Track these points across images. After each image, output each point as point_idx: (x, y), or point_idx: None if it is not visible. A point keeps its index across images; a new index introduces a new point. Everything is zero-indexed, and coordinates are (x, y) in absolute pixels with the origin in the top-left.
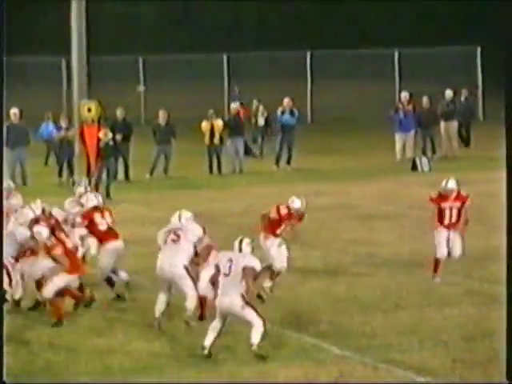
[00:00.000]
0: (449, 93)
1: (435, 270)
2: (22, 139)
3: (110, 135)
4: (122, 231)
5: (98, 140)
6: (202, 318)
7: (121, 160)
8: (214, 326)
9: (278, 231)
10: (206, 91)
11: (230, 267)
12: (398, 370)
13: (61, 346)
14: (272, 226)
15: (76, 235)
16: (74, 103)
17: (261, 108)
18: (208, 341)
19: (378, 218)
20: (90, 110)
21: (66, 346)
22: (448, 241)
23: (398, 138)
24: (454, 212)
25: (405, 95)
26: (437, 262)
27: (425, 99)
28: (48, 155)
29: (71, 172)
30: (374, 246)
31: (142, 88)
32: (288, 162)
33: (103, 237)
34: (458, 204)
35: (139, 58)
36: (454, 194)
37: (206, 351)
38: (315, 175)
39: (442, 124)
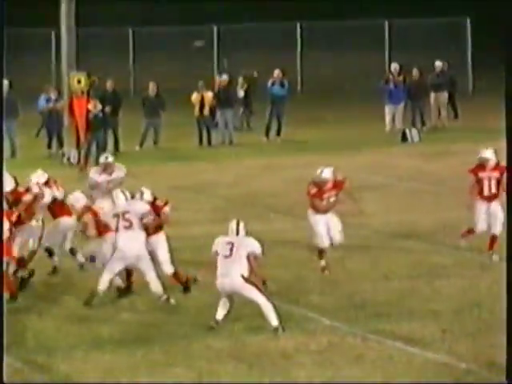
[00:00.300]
0: (438, 64)
1: (491, 247)
2: (11, 111)
3: (100, 107)
4: None
5: (88, 112)
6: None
7: (110, 132)
8: (223, 304)
9: (324, 204)
10: (196, 63)
11: (231, 249)
12: (387, 341)
13: None
14: (315, 200)
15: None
16: (63, 75)
17: (240, 80)
18: (219, 316)
19: (368, 189)
20: (79, 81)
21: None
22: (487, 214)
23: (388, 109)
24: (493, 183)
25: (395, 66)
26: (492, 238)
27: (415, 71)
28: (41, 127)
29: (60, 144)
30: (363, 217)
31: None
32: (278, 134)
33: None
34: (496, 174)
35: (129, 30)
36: (493, 164)
37: (215, 324)
38: (305, 146)
39: (432, 95)
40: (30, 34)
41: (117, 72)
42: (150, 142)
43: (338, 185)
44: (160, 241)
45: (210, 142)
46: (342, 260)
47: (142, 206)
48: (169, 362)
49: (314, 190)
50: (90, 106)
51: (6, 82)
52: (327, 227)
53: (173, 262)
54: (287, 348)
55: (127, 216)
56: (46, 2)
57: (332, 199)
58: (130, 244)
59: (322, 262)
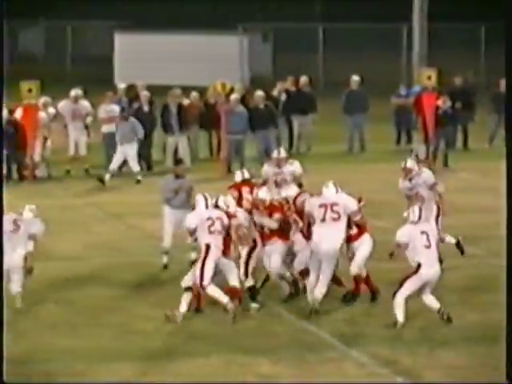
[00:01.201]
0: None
1: None
2: (361, 106)
3: (449, 103)
4: (460, 200)
5: (437, 108)
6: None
7: (459, 128)
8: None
9: None
10: None
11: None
12: None
13: None
14: None
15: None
16: (413, 70)
17: None
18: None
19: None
20: (430, 77)
21: None
22: None
23: None
24: None
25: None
26: None
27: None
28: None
29: (409, 139)
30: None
31: None
32: None
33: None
34: None
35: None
36: None
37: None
38: None
39: None
40: (380, 29)
41: (466, 68)
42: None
43: None
44: (364, 241)
45: None
46: None
47: (352, 202)
48: None
49: None
50: (439, 102)
51: (356, 78)
52: None
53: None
54: None
55: (335, 208)
56: None
57: None
58: (329, 237)
59: None
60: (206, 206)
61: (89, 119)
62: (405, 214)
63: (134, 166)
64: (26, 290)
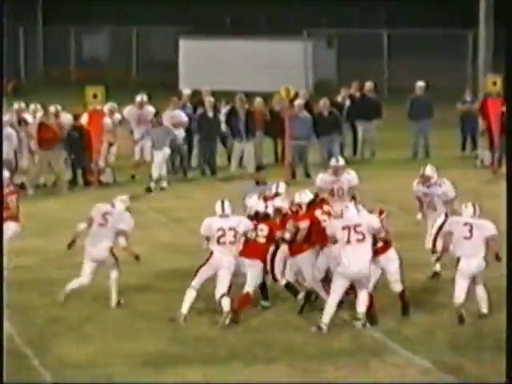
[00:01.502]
0: None
1: None
2: (427, 112)
3: None
4: None
5: (502, 114)
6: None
7: None
8: None
9: None
10: None
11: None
12: None
13: None
14: None
15: None
16: (478, 76)
17: None
18: None
19: None
20: (495, 83)
21: None
22: None
23: None
24: None
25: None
26: None
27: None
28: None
29: (474, 145)
30: None
31: None
32: None
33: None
34: None
35: None
36: None
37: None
38: None
39: None
40: (446, 35)
41: None
42: None
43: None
44: (390, 257)
45: None
46: None
47: (375, 220)
48: None
49: None
50: (505, 108)
51: (421, 84)
52: None
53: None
54: None
55: (359, 229)
56: (462, 2)
57: None
58: (357, 259)
59: None
60: (223, 211)
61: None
62: (418, 217)
63: (159, 171)
64: (89, 294)
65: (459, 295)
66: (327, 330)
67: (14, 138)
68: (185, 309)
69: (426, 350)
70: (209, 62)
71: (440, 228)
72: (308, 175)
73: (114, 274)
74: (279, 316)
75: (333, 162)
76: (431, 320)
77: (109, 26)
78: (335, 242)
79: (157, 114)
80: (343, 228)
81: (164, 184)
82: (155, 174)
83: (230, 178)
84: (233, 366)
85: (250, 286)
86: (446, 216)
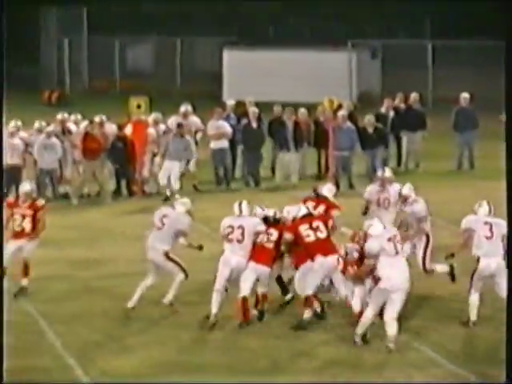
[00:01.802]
0: None
1: None
2: (470, 123)
3: None
4: None
5: None
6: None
7: None
8: None
9: None
10: None
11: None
12: None
13: None
14: None
15: None
16: None
17: None
18: None
19: None
20: None
21: None
22: None
23: None
24: None
25: None
26: None
27: None
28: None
29: None
30: None
31: None
32: None
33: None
34: None
35: None
36: None
37: None
38: None
39: None
40: (490, 46)
41: None
42: None
43: None
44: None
45: None
46: None
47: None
48: None
49: None
50: None
51: (466, 95)
52: None
53: None
54: None
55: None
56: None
57: None
58: (403, 272)
59: None
60: (240, 212)
61: (199, 135)
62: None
63: (175, 183)
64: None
65: (475, 298)
66: (360, 341)
67: (59, 148)
68: (215, 308)
69: (469, 362)
70: (253, 73)
71: (425, 249)
72: (351, 186)
73: (178, 278)
74: (327, 332)
75: (379, 173)
76: (472, 332)
77: (153, 37)
78: (375, 256)
79: (180, 126)
80: (388, 239)
81: (168, 193)
82: (162, 183)
83: (273, 188)
84: (278, 378)
85: (263, 288)
86: (428, 237)
